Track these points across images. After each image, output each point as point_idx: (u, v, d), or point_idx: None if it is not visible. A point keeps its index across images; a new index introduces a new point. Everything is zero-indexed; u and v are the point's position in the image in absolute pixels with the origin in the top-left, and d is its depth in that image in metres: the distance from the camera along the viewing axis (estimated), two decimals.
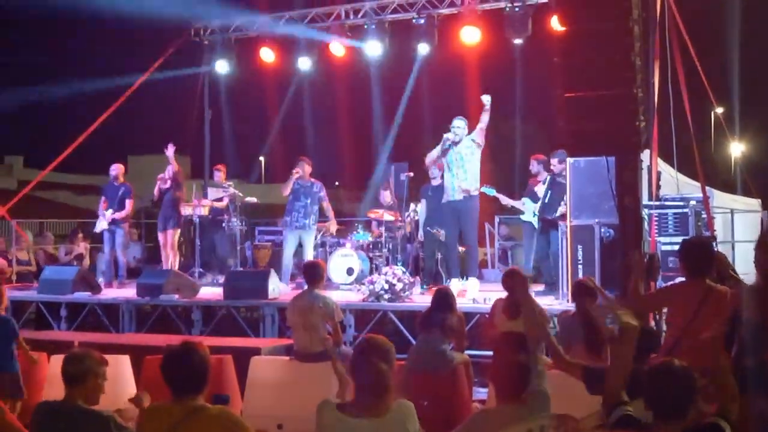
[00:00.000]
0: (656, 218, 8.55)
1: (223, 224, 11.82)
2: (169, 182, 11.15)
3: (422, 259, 10.84)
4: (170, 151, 11.03)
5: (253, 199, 12.40)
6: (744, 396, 3.56)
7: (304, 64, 12.84)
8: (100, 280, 10.84)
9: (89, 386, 3.78)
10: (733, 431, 3.04)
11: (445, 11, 11.60)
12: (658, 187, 8.92)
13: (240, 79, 13.74)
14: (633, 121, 6.61)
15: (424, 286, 9.79)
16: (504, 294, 6.41)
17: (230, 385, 6.27)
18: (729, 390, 3.13)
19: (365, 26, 11.96)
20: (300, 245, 10.50)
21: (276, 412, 6.22)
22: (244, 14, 12.96)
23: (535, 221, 9.48)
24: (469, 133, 9.15)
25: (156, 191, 11.30)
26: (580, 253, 7.73)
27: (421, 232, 10.71)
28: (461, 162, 9.04)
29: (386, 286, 8.65)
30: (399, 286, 8.68)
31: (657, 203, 8.71)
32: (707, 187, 9.13)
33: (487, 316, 7.12)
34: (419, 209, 10.80)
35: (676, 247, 5.51)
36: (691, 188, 9.77)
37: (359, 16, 12.07)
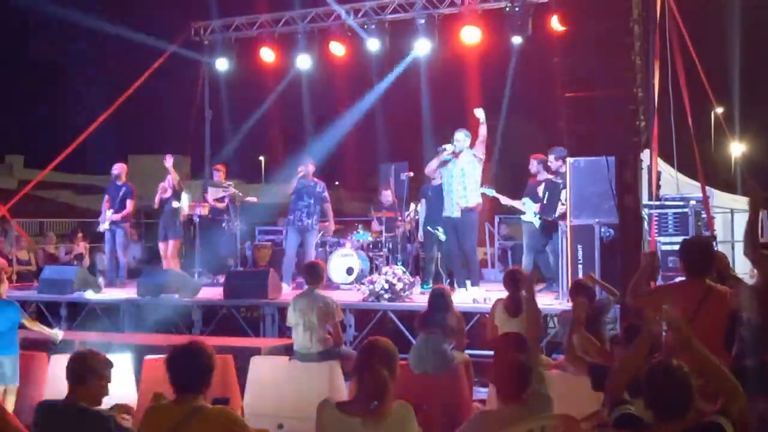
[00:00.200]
0: (656, 218, 8.55)
1: (223, 224, 11.83)
2: (169, 191, 11.14)
3: (422, 258, 10.84)
4: (169, 162, 11.04)
5: (253, 199, 12.39)
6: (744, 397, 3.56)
7: (304, 63, 12.85)
8: (100, 279, 10.84)
9: (92, 387, 3.78)
10: (735, 430, 3.04)
11: (446, 11, 11.61)
12: (658, 186, 8.93)
13: (240, 78, 13.74)
14: (633, 121, 6.62)
15: (425, 286, 9.79)
16: (504, 294, 6.41)
17: (230, 385, 6.26)
18: (730, 388, 3.13)
19: (365, 26, 11.97)
20: (301, 245, 10.50)
21: (276, 411, 6.22)
22: (245, 14, 12.98)
23: (536, 221, 9.48)
24: (471, 146, 9.11)
25: (157, 200, 11.29)
26: (580, 252, 7.73)
27: (421, 232, 10.71)
28: (462, 178, 9.01)
29: (386, 286, 8.65)
30: (399, 285, 8.68)
31: (657, 203, 8.71)
32: (707, 187, 9.13)
33: (487, 315, 7.12)
34: (419, 209, 10.80)
35: (676, 247, 5.52)
36: (691, 188, 9.76)
37: (359, 15, 12.08)
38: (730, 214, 10.17)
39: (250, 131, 15.38)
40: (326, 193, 10.53)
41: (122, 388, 5.54)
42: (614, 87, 6.59)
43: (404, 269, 9.28)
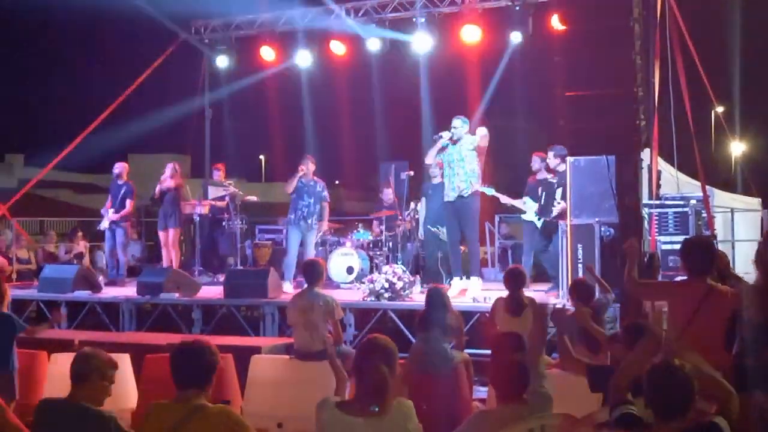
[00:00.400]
0: (656, 217, 8.54)
1: (224, 223, 11.83)
2: (170, 182, 11.16)
3: (423, 258, 10.83)
4: (168, 172, 11.11)
5: (253, 198, 12.39)
6: (745, 395, 3.56)
7: (305, 62, 12.84)
8: (99, 278, 10.84)
9: (94, 386, 3.76)
10: (733, 430, 3.04)
11: (446, 10, 11.60)
12: (659, 186, 8.93)
13: (240, 77, 13.73)
14: (633, 120, 6.63)
15: (425, 285, 9.77)
16: (505, 292, 6.41)
17: (230, 384, 6.26)
18: (723, 395, 3.14)
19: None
20: (301, 244, 10.49)
21: (276, 410, 6.21)
22: (245, 12, 12.97)
23: (536, 220, 9.47)
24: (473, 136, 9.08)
25: (157, 190, 11.29)
26: (580, 252, 7.73)
27: (421, 231, 10.70)
28: (461, 163, 8.98)
29: (386, 285, 8.64)
30: (399, 284, 8.67)
31: (657, 202, 8.71)
32: (707, 186, 9.12)
33: (487, 315, 7.12)
34: (420, 208, 10.79)
35: (676, 247, 5.52)
36: (692, 187, 9.75)
37: (360, 14, 12.07)
38: (730, 214, 10.17)
39: (250, 130, 15.37)
40: (326, 193, 10.51)
41: (122, 387, 5.54)
42: (614, 86, 6.60)
43: (404, 268, 9.28)
